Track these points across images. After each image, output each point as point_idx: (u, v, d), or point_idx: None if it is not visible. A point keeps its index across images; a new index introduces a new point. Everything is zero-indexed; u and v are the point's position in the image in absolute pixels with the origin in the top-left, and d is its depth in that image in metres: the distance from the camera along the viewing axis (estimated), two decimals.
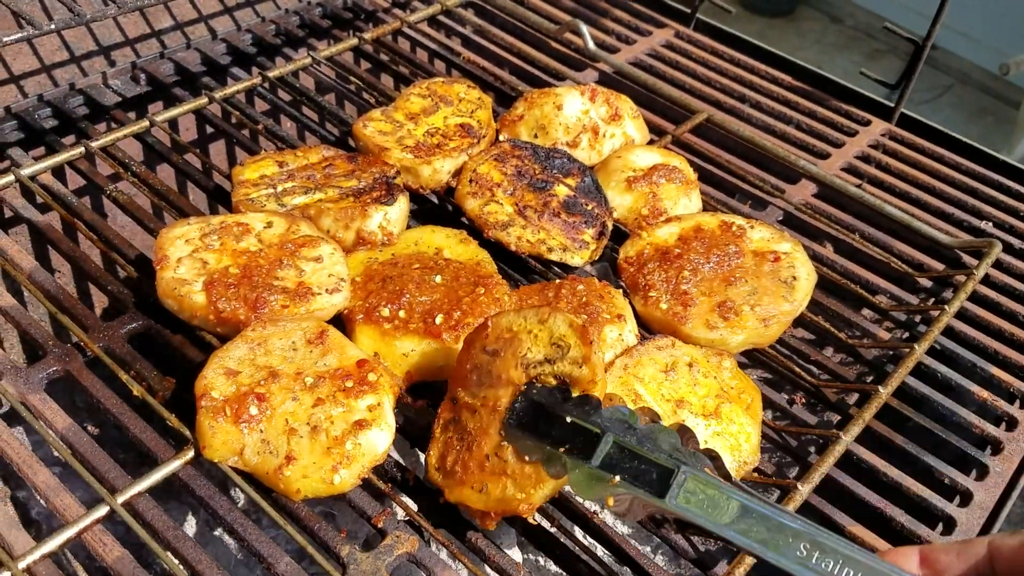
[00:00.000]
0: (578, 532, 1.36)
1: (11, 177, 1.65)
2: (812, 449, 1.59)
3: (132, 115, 2.01)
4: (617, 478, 1.08)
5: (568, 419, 1.15)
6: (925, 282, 1.87)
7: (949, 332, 1.74)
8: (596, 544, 1.35)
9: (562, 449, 1.14)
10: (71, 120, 1.91)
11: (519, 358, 1.24)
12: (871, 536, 1.39)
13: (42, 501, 1.25)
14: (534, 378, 1.21)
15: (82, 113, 1.94)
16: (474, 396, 1.26)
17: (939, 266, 1.89)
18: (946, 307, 1.68)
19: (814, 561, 0.95)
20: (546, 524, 1.31)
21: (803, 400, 1.58)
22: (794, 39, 5.71)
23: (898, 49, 5.33)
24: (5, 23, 1.90)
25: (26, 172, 1.66)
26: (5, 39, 1.61)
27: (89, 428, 1.87)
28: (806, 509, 1.38)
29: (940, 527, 1.45)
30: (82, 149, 1.72)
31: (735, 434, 1.39)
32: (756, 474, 1.40)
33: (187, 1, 2.08)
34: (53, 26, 1.70)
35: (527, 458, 1.17)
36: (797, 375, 1.57)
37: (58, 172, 1.78)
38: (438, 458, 1.26)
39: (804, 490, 1.34)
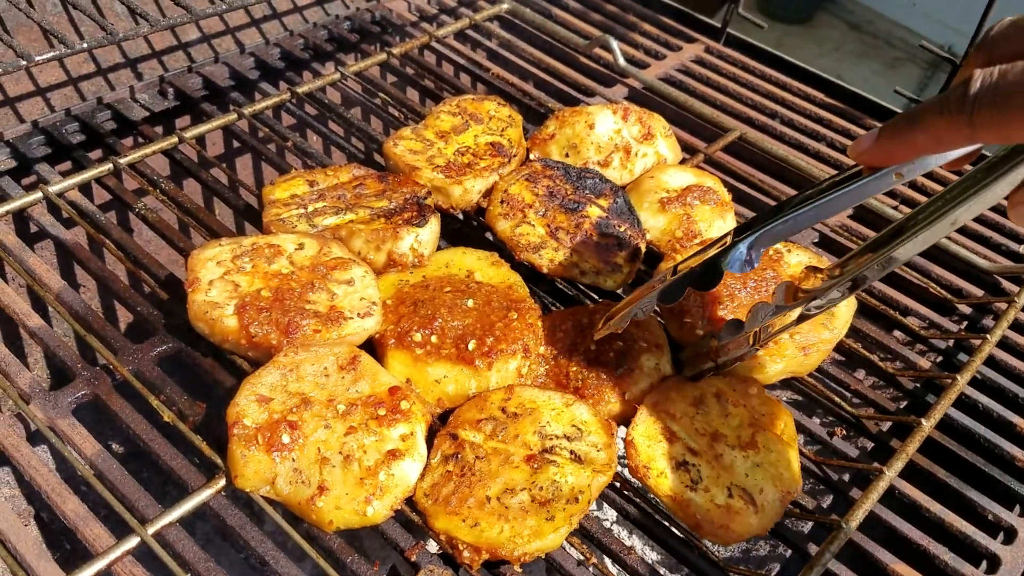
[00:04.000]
0: (608, 564, 1.33)
1: (39, 194, 1.63)
2: (847, 477, 1.56)
3: (159, 130, 1.99)
4: None
5: None
6: (964, 308, 1.83)
7: (989, 361, 1.70)
8: None
9: None
10: (98, 135, 1.89)
11: (538, 426, 1.32)
12: (914, 575, 1.35)
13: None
14: (548, 450, 1.29)
15: (110, 128, 1.93)
16: (484, 442, 1.31)
17: (977, 291, 1.85)
18: (988, 336, 1.64)
19: None
20: (574, 552, 1.29)
21: (843, 432, 1.55)
22: (812, 46, 5.66)
23: (917, 57, 5.28)
24: (33, 36, 1.89)
25: (54, 189, 1.64)
26: (37, 58, 1.59)
27: (117, 446, 1.86)
28: (846, 546, 1.35)
29: (984, 565, 1.42)
30: (110, 166, 1.71)
31: (775, 463, 1.36)
32: (797, 509, 1.37)
33: (215, 15, 2.06)
34: (85, 45, 1.68)
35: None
36: (835, 404, 1.54)
37: (85, 188, 1.77)
38: (430, 486, 1.28)
39: (848, 528, 1.31)
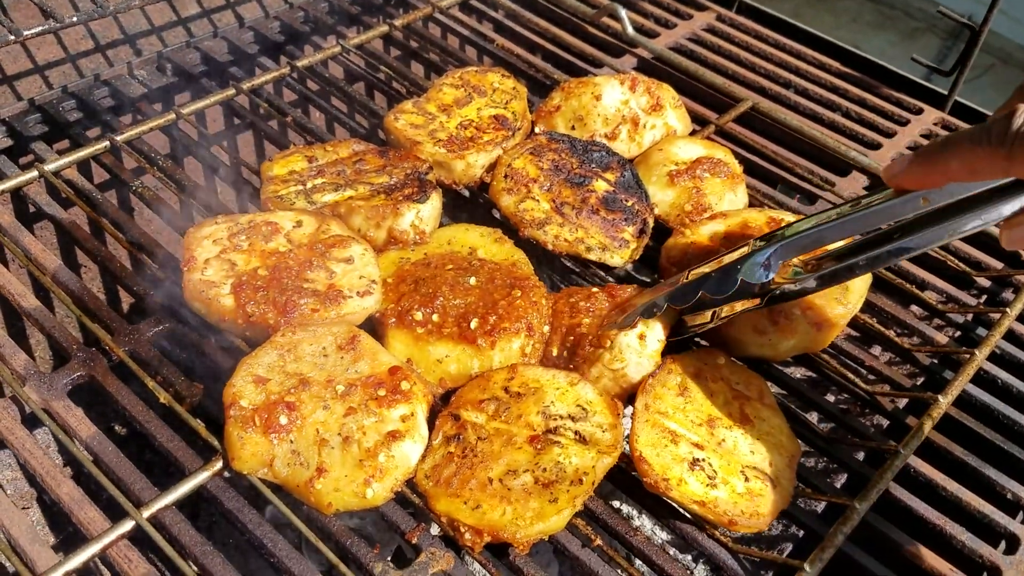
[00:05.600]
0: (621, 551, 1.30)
1: (35, 173, 1.60)
2: (861, 456, 1.52)
3: (158, 106, 1.96)
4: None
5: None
6: (983, 281, 1.78)
7: (1009, 335, 1.65)
8: (635, 559, 1.29)
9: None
10: (96, 112, 1.86)
11: (542, 406, 1.29)
12: (931, 556, 1.31)
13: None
14: (552, 430, 1.26)
15: (107, 105, 1.90)
16: (486, 423, 1.29)
17: (997, 264, 1.80)
18: (1007, 309, 1.59)
19: None
20: (579, 534, 1.26)
21: (857, 409, 1.50)
22: (829, 17, 5.54)
23: (937, 28, 5.15)
24: (31, 13, 1.85)
25: (50, 167, 1.62)
26: (26, 33, 1.56)
27: (119, 427, 1.84)
28: (860, 526, 1.31)
29: (1003, 545, 1.37)
30: (107, 143, 1.68)
31: (770, 431, 1.34)
32: (809, 489, 1.33)
33: None
34: (76, 19, 1.64)
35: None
36: (849, 381, 1.49)
37: (83, 166, 1.74)
38: (431, 468, 1.25)
39: (862, 508, 1.27)
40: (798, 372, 1.81)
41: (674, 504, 1.27)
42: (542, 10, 2.35)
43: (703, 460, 1.27)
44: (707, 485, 1.25)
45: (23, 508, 1.60)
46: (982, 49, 2.10)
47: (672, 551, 1.76)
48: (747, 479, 1.27)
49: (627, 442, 1.29)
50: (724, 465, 1.28)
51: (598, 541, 1.24)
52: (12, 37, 1.54)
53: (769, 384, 1.43)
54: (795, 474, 1.30)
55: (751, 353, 1.47)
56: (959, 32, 2.12)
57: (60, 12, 1.68)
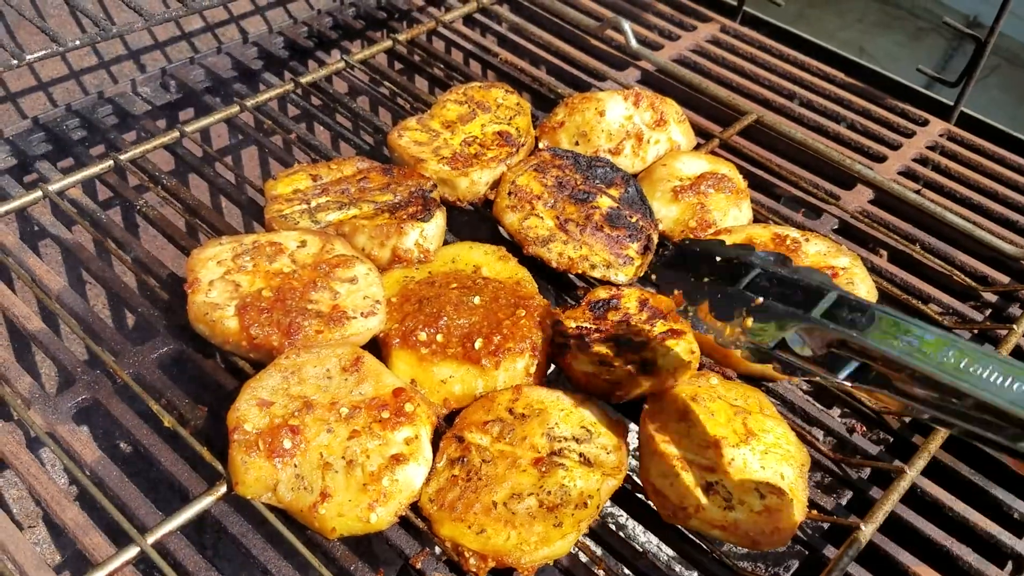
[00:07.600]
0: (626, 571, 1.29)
1: (39, 193, 1.61)
2: (866, 474, 1.51)
3: (162, 123, 1.96)
4: (760, 299, 1.15)
5: (717, 258, 1.23)
6: (989, 296, 1.77)
7: (1016, 352, 1.64)
8: None
9: (705, 279, 1.23)
10: (100, 130, 1.86)
11: (546, 428, 1.29)
12: None
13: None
14: (556, 452, 1.25)
15: (111, 123, 1.90)
16: (490, 445, 1.28)
17: (1003, 278, 1.79)
18: (1014, 326, 1.58)
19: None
20: (584, 558, 1.25)
21: (863, 429, 1.50)
22: (834, 19, 5.52)
23: (943, 29, 5.12)
24: (35, 30, 1.86)
25: (54, 188, 1.62)
26: (28, 57, 1.56)
27: (124, 446, 1.84)
28: (866, 546, 1.30)
29: (1010, 566, 1.37)
30: (111, 163, 1.68)
31: (777, 443, 1.32)
32: (815, 512, 1.32)
33: (217, 6, 2.02)
34: (79, 42, 1.65)
35: (672, 291, 1.27)
36: (855, 398, 1.49)
37: (87, 185, 1.74)
38: (436, 491, 1.24)
39: (868, 530, 1.26)
40: (799, 389, 1.80)
41: (692, 534, 1.26)
42: (546, 23, 2.35)
43: (716, 483, 1.26)
44: (724, 508, 1.23)
45: (29, 527, 1.60)
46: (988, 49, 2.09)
47: (678, 568, 1.75)
48: (763, 496, 1.25)
49: (633, 460, 1.29)
50: (737, 485, 1.26)
51: (603, 566, 1.24)
52: (15, 62, 1.55)
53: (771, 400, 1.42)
54: (807, 483, 1.29)
55: (751, 371, 1.46)
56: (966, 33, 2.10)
57: (64, 34, 1.68)
